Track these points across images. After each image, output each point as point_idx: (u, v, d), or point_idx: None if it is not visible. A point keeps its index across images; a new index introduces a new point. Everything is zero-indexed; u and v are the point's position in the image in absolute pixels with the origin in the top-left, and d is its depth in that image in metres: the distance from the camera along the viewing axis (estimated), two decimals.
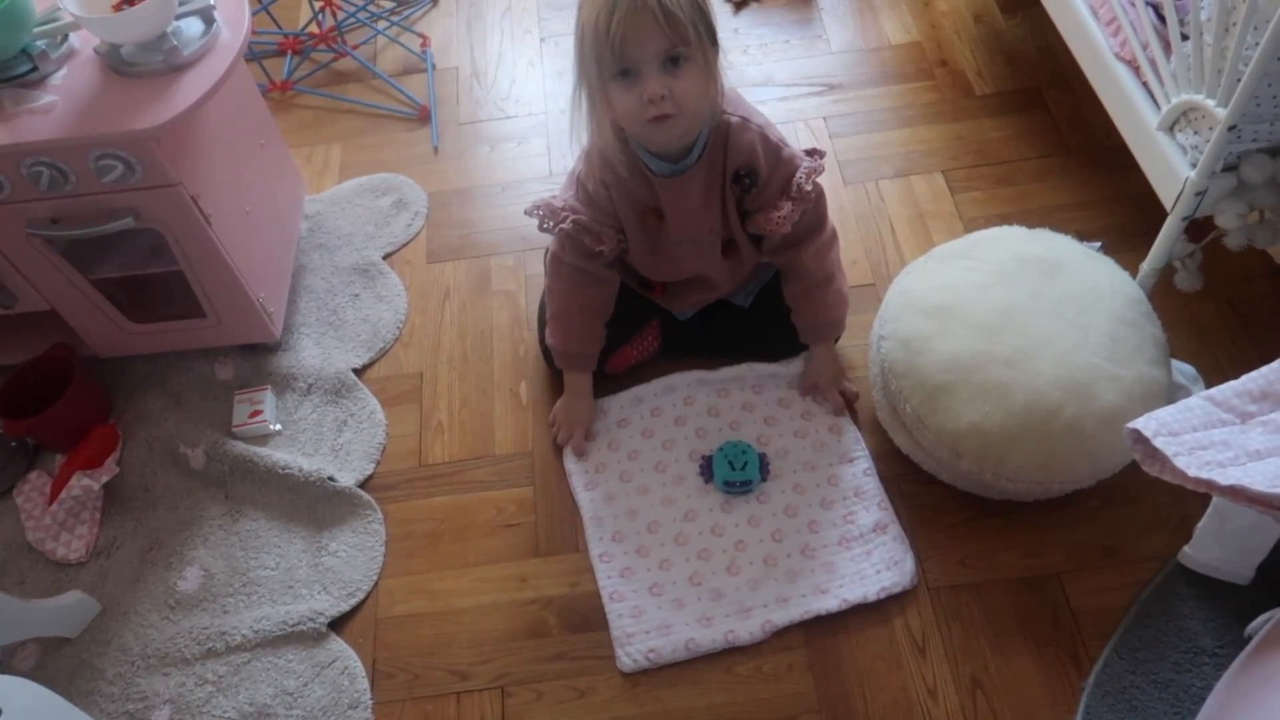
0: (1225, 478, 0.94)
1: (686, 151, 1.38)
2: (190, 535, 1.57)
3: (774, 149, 1.40)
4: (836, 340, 1.63)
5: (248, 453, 1.61)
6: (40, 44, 1.38)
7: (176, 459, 1.64)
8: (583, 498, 1.54)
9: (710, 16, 1.26)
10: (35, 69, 1.37)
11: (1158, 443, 1.02)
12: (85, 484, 1.55)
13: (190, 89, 1.34)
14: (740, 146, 1.38)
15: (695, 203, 1.42)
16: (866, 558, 1.43)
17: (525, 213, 1.49)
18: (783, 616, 1.39)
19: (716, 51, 1.28)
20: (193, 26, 1.40)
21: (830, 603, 1.39)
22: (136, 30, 1.33)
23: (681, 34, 1.21)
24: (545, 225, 1.47)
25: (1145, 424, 1.04)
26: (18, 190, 1.37)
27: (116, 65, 1.36)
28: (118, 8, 1.37)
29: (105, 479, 1.58)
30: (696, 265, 1.53)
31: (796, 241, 1.48)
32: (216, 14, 1.41)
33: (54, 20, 1.39)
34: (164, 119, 1.30)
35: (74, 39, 1.41)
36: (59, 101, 1.34)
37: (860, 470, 1.51)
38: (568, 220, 1.43)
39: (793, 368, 1.63)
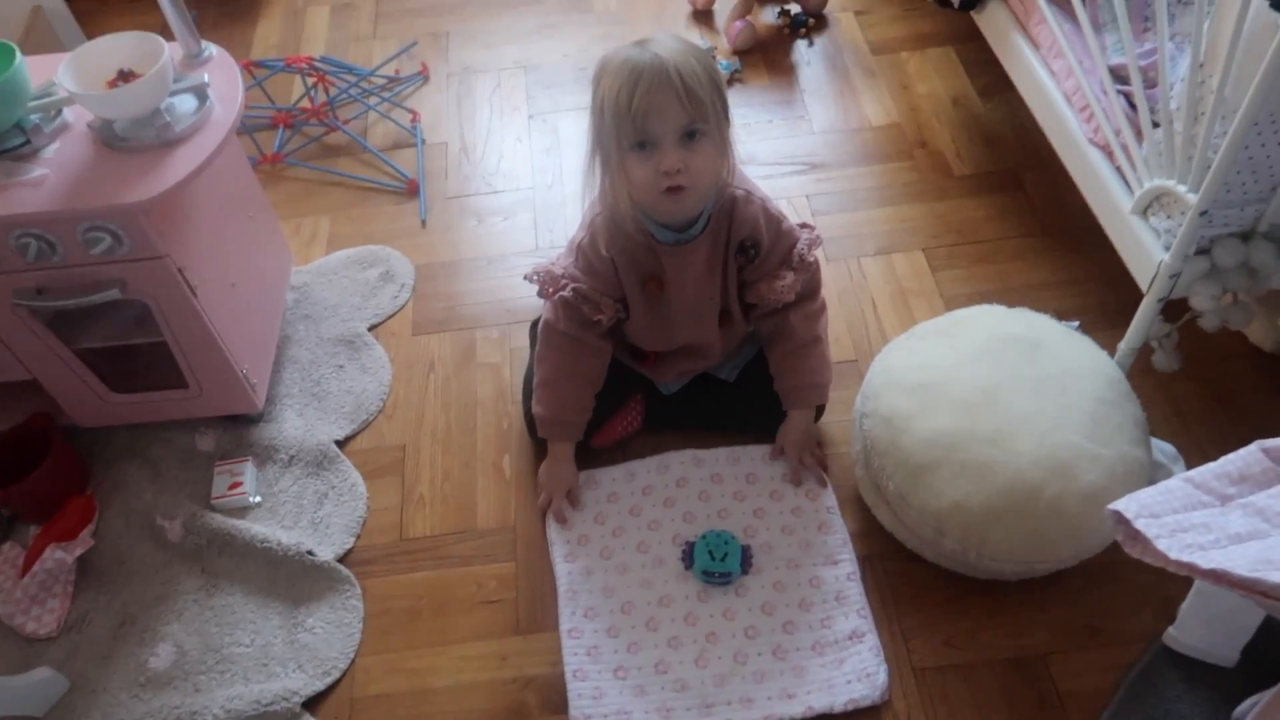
0: (1207, 561, 0.94)
1: (692, 222, 1.41)
2: (164, 610, 1.54)
3: (775, 221, 1.45)
4: (820, 414, 1.64)
5: (226, 525, 1.59)
6: (34, 118, 1.40)
7: (153, 531, 1.62)
8: (560, 569, 1.53)
9: (725, 93, 1.31)
10: (28, 142, 1.38)
11: (1139, 525, 1.02)
12: (59, 557, 1.52)
13: (181, 164, 1.36)
14: (745, 219, 1.42)
15: (698, 271, 1.44)
16: (838, 666, 1.39)
17: (524, 278, 1.52)
18: (744, 718, 1.36)
19: (729, 126, 1.33)
20: (186, 103, 1.43)
21: (795, 709, 1.35)
22: (131, 107, 1.35)
23: (701, 110, 1.26)
24: (544, 292, 1.49)
25: (1126, 505, 1.04)
26: (4, 261, 1.38)
27: (109, 140, 1.38)
28: (113, 84, 1.39)
29: (80, 551, 1.55)
30: (692, 333, 1.55)
31: (791, 307, 1.51)
32: (210, 91, 1.43)
33: (49, 95, 1.41)
34: (154, 193, 1.32)
35: (68, 114, 1.43)
36: (50, 174, 1.35)
37: (844, 574, 1.48)
38: (567, 288, 1.46)
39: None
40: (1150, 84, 1.41)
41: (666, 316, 1.51)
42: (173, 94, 1.41)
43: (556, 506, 1.58)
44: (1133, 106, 1.45)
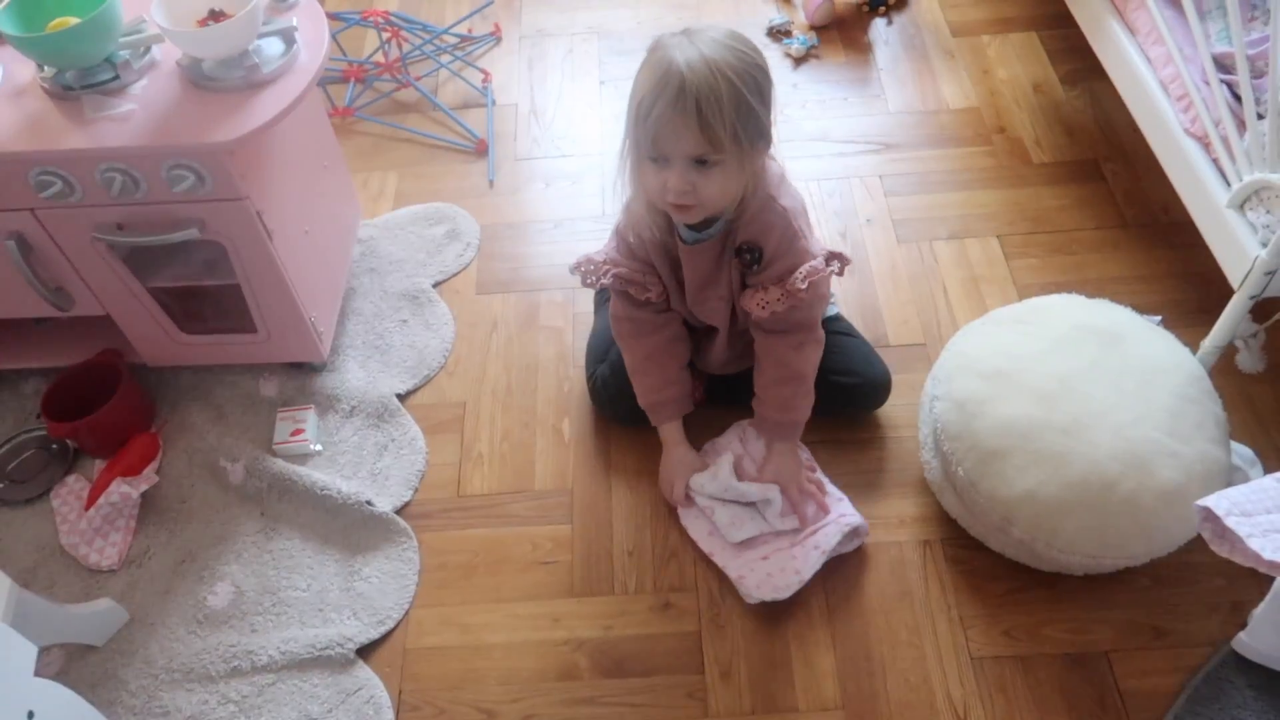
0: None
1: (710, 222, 1.39)
2: (224, 550, 1.55)
3: (791, 236, 1.38)
4: (886, 397, 1.61)
5: (287, 471, 1.60)
6: (124, 54, 1.40)
7: (215, 472, 1.63)
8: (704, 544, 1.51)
9: (758, 118, 1.24)
10: (117, 77, 1.39)
11: (1230, 522, 1.00)
12: (124, 491, 1.55)
13: (267, 106, 1.36)
14: (753, 222, 1.37)
15: (707, 269, 1.44)
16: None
17: (570, 271, 1.53)
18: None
19: (764, 148, 1.29)
20: (273, 46, 1.42)
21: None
22: (220, 46, 1.36)
23: (715, 142, 1.22)
24: (589, 281, 1.50)
25: (1217, 503, 1.01)
26: (89, 194, 1.39)
27: (197, 79, 1.38)
28: (203, 23, 1.39)
29: (144, 487, 1.57)
30: (710, 322, 1.54)
31: (780, 330, 1.46)
32: (298, 35, 1.43)
33: (139, 31, 1.42)
34: (240, 133, 1.32)
35: (157, 51, 1.43)
36: (138, 110, 1.36)
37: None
38: (609, 274, 1.46)
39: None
40: (1258, 74, 1.37)
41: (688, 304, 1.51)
42: (261, 36, 1.41)
43: (679, 493, 1.53)
44: (1236, 97, 1.40)
